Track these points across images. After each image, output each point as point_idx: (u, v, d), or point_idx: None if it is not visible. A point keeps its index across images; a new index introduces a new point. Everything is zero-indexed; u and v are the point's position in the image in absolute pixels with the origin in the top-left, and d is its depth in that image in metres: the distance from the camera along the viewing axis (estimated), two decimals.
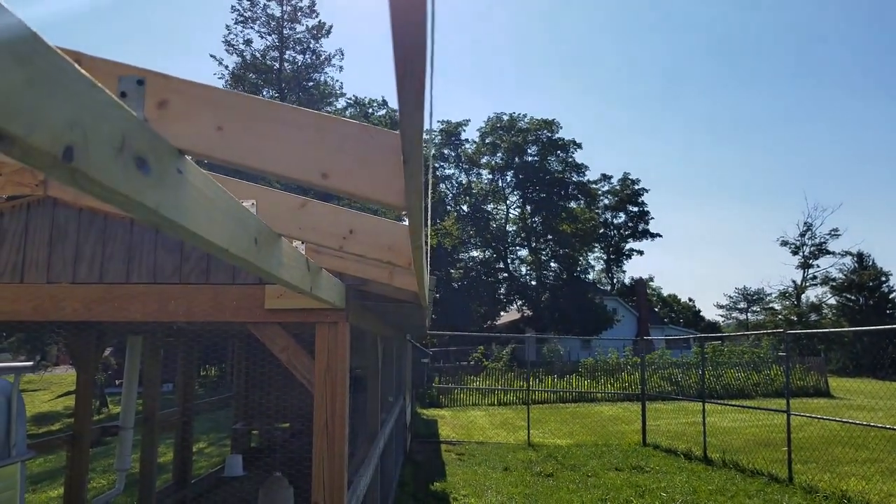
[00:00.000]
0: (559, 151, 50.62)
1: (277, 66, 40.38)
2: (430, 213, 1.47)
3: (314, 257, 3.00)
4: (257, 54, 40.34)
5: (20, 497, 3.90)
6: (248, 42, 40.29)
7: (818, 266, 58.93)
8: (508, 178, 51.24)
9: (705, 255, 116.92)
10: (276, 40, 40.63)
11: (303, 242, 2.59)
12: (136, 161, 1.01)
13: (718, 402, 13.62)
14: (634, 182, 61.68)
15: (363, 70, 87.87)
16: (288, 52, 41.17)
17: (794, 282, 60.51)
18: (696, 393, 20.58)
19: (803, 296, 58.96)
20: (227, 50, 40.31)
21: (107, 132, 0.90)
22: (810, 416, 10.40)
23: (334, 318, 3.83)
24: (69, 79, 0.79)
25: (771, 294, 66.88)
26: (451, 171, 51.09)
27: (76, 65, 0.80)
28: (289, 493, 6.36)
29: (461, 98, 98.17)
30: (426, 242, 1.65)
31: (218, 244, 1.38)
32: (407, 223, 2.24)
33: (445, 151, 50.21)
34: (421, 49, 0.69)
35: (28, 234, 3.88)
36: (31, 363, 4.84)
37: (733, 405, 12.85)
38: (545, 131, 50.23)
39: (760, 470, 9.94)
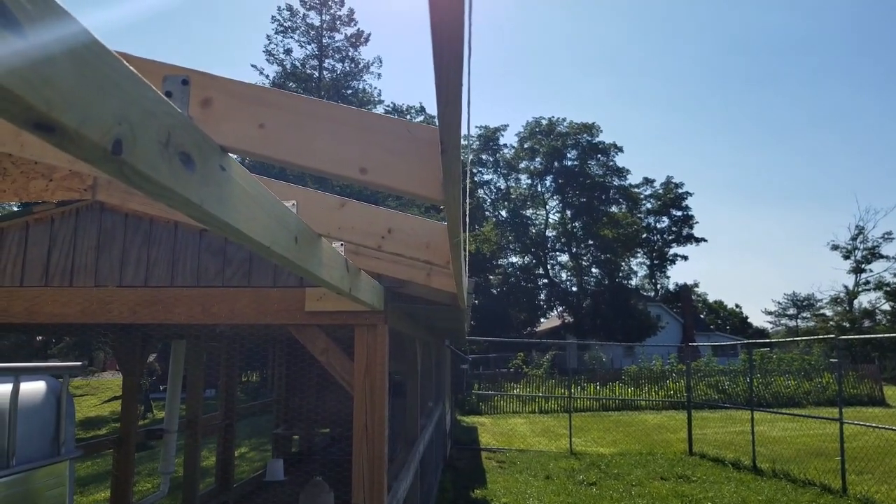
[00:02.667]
0: (599, 155, 50.11)
1: (317, 74, 41.11)
2: (468, 207, 1.47)
3: (353, 258, 3.03)
4: (297, 63, 41.15)
5: (69, 495, 4.02)
6: (287, 51, 41.15)
7: (871, 271, 56.55)
8: (548, 183, 50.91)
9: (752, 260, 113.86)
10: (315, 49, 41.40)
11: (342, 244, 2.62)
12: (181, 157, 1.03)
13: (768, 410, 13.21)
14: (678, 186, 60.53)
15: (401, 77, 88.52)
16: (327, 61, 41.91)
17: (845, 287, 58.17)
18: (744, 401, 20.03)
19: (856, 301, 56.75)
20: (267, 59, 41.26)
21: (153, 128, 0.92)
22: (864, 425, 9.97)
23: (373, 321, 3.85)
24: (119, 76, 0.81)
25: (822, 300, 64.61)
26: (490, 176, 51.06)
27: (126, 63, 0.83)
28: (329, 497, 6.41)
29: (500, 103, 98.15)
30: (464, 240, 1.64)
31: (260, 241, 1.41)
32: (445, 223, 2.24)
33: (484, 157, 50.23)
34: (458, 32, 0.68)
35: (77, 238, 4.02)
36: (79, 363, 4.99)
37: (783, 413, 12.43)
38: (585, 135, 49.81)
39: (812, 480, 9.59)
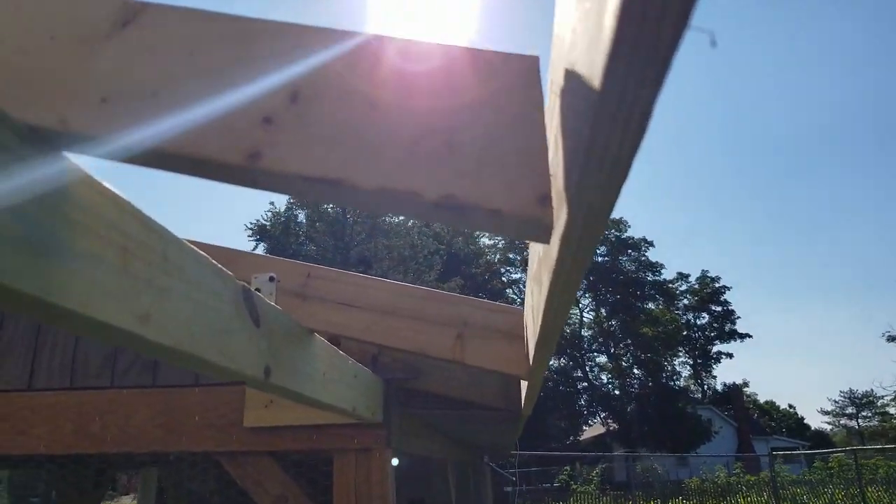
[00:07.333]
0: (630, 250, 48.74)
1: None
2: None
3: (294, 305, 1.43)
4: None
5: None
6: None
7: None
8: None
9: (802, 356, 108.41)
10: None
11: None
12: None
13: None
14: (714, 280, 58.31)
15: None
16: None
17: None
18: None
19: None
20: None
21: None
22: None
23: (365, 442, 2.16)
24: None
25: (883, 396, 59.74)
26: (518, 275, 49.67)
27: None
28: None
29: None
30: None
31: None
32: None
33: (511, 255, 49.25)
34: None
35: None
36: None
37: None
38: (613, 231, 48.75)
39: None
